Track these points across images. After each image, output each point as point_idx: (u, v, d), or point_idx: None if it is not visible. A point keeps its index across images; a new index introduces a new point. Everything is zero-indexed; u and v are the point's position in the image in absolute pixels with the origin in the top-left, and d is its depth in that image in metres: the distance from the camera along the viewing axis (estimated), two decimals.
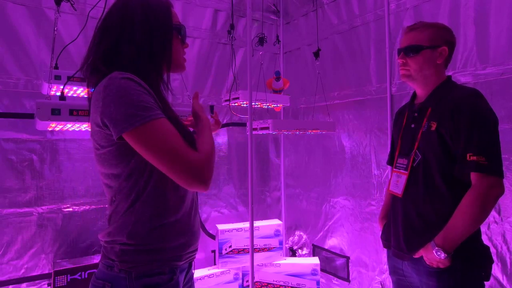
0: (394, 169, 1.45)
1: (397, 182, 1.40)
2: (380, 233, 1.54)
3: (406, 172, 1.35)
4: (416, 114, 1.38)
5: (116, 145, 0.88)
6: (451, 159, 1.24)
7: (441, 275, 1.22)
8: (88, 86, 0.99)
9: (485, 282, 1.24)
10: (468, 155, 1.18)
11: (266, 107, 2.77)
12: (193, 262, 1.08)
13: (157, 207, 0.92)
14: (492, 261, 1.25)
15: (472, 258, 1.22)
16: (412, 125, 1.38)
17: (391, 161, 1.58)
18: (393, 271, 1.45)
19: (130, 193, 0.91)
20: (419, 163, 1.31)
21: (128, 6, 0.96)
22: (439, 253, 1.19)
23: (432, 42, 1.32)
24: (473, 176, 1.19)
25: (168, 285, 0.93)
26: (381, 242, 1.54)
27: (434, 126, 1.27)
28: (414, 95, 1.46)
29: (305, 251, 3.09)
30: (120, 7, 0.97)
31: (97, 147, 0.92)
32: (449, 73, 1.90)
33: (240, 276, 2.66)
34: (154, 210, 0.92)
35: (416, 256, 1.28)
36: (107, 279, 0.91)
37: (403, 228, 1.35)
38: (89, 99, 0.98)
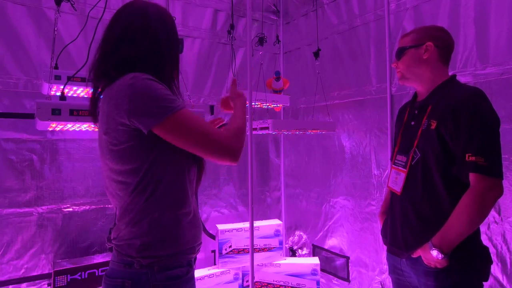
0: (393, 165, 1.45)
1: (396, 179, 1.40)
2: (380, 230, 1.55)
3: (405, 169, 1.35)
4: (416, 112, 1.38)
5: (137, 140, 0.92)
6: (450, 158, 1.23)
7: (439, 275, 1.22)
8: (94, 88, 1.03)
9: (485, 282, 1.24)
10: (467, 155, 1.17)
11: (266, 107, 2.77)
12: (196, 258, 1.11)
13: (173, 199, 0.96)
14: (491, 262, 1.25)
15: (470, 259, 1.22)
16: (412, 123, 1.38)
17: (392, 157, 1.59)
18: (392, 270, 1.45)
19: (147, 187, 0.93)
20: (418, 161, 1.31)
21: (149, 21, 1.01)
22: (436, 254, 1.18)
23: (415, 42, 1.36)
24: (472, 176, 1.18)
25: (187, 277, 0.98)
26: (381, 242, 1.54)
27: (434, 125, 1.26)
28: (416, 93, 1.46)
29: (305, 251, 3.09)
30: (140, 21, 1.01)
31: (115, 143, 0.93)
32: (449, 73, 1.90)
33: (240, 276, 2.66)
34: (171, 202, 0.95)
35: (414, 255, 1.28)
36: (126, 276, 0.92)
37: (401, 226, 1.35)
38: (92, 99, 1.03)
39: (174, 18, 1.11)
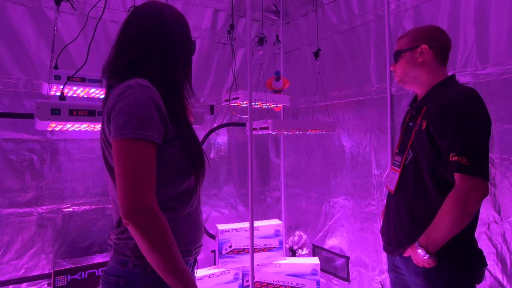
0: (391, 165, 1.48)
1: (392, 178, 1.43)
2: (380, 229, 1.56)
3: (399, 169, 1.37)
4: (414, 113, 1.40)
5: None
6: (440, 158, 1.23)
7: (428, 274, 1.23)
8: (107, 87, 1.03)
9: (484, 283, 1.24)
10: (450, 155, 1.17)
11: (266, 107, 2.77)
12: (197, 260, 1.10)
13: (169, 205, 0.95)
14: (484, 264, 1.24)
15: (461, 260, 1.21)
16: (410, 123, 1.41)
17: None
18: (391, 268, 1.47)
19: None
20: (411, 161, 1.32)
21: (164, 21, 1.02)
22: (422, 253, 1.19)
23: (410, 44, 1.37)
24: (456, 176, 1.18)
25: None
26: (381, 242, 1.55)
27: (424, 125, 1.27)
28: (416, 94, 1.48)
29: (305, 251, 3.08)
30: (154, 21, 1.01)
31: (106, 145, 0.94)
32: (449, 73, 1.90)
33: (240, 276, 2.66)
34: (167, 207, 0.93)
35: (405, 255, 1.30)
36: (121, 275, 0.93)
37: (394, 225, 1.37)
38: (105, 100, 1.02)
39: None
